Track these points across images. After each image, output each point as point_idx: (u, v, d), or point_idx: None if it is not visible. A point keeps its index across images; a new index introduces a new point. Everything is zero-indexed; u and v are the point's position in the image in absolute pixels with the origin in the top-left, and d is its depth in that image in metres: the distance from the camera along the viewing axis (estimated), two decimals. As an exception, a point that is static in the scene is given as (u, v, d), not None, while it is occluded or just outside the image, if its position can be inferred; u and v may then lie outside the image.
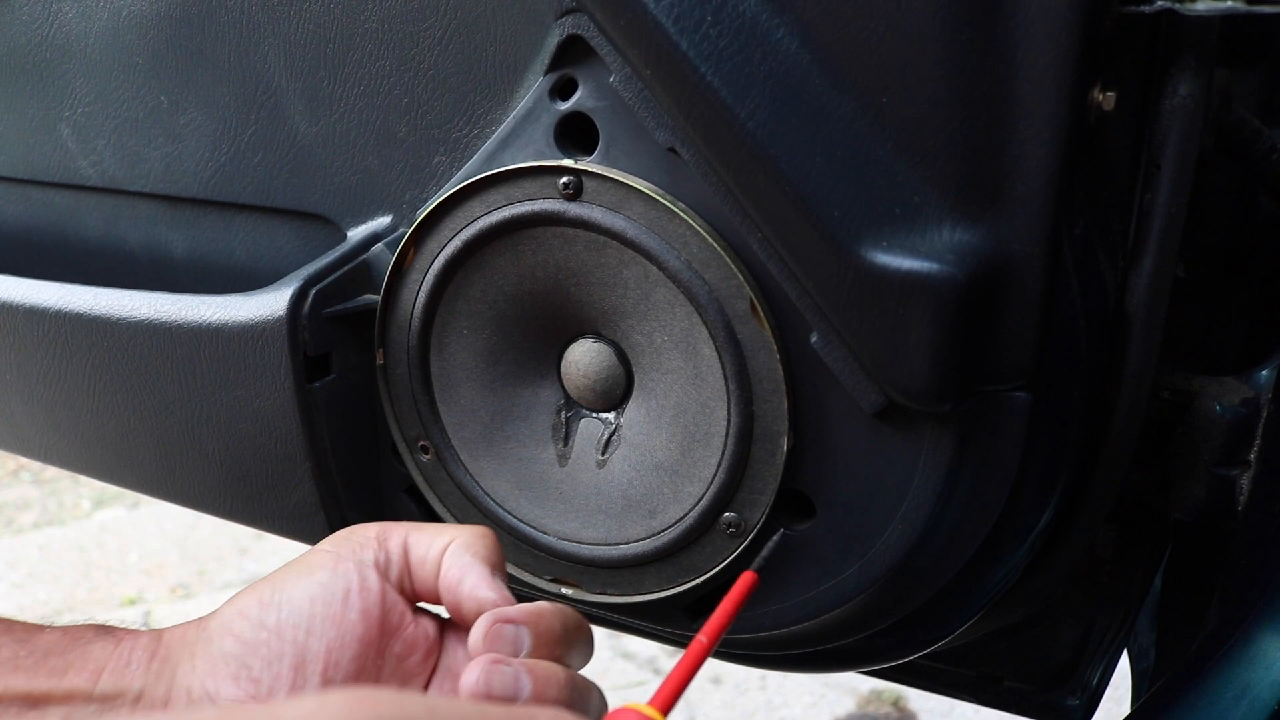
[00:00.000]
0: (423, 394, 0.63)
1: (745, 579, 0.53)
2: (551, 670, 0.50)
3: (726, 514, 0.57)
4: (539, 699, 0.48)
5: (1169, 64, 0.51)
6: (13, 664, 0.51)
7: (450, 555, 0.53)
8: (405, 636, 0.53)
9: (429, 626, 0.54)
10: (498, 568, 0.53)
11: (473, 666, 0.48)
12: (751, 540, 0.57)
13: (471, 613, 0.51)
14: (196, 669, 0.51)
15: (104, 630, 0.53)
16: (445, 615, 0.54)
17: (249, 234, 0.71)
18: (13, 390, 0.78)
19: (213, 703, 0.50)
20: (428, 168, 0.62)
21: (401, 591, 0.53)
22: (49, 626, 0.53)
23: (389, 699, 0.35)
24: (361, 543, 0.53)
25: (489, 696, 0.48)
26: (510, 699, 0.48)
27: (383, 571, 0.53)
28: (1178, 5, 0.48)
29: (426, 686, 0.53)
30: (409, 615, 0.53)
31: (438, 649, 0.54)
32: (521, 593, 0.61)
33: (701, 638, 0.48)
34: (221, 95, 0.67)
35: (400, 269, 0.61)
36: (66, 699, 0.50)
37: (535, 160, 0.56)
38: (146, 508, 2.75)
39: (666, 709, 0.44)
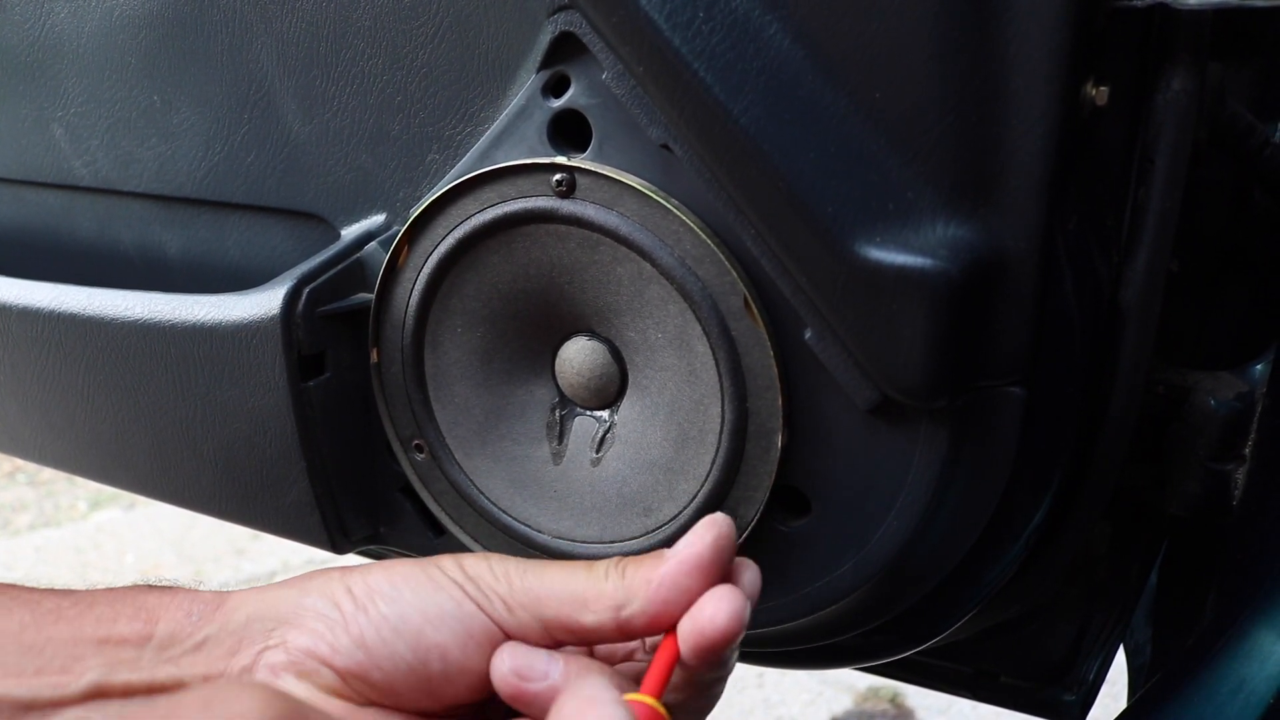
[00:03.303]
0: (417, 392, 0.63)
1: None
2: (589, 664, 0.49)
3: (721, 511, 0.57)
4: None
5: (1162, 58, 0.51)
6: (55, 615, 0.49)
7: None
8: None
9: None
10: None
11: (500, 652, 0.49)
12: (747, 537, 0.57)
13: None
14: (279, 614, 0.49)
15: (158, 587, 0.52)
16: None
17: (243, 233, 0.71)
18: (7, 391, 0.78)
19: (284, 651, 0.48)
20: (421, 165, 0.62)
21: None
22: (93, 589, 0.51)
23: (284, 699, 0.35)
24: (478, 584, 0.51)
25: (515, 678, 0.48)
26: (538, 679, 0.48)
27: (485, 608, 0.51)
28: (1171, -1, 0.48)
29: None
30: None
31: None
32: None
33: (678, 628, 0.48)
34: (214, 94, 0.67)
35: (394, 267, 0.61)
36: (118, 644, 0.48)
37: (528, 157, 0.56)
38: (143, 509, 2.75)
39: (658, 694, 0.44)
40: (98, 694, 0.47)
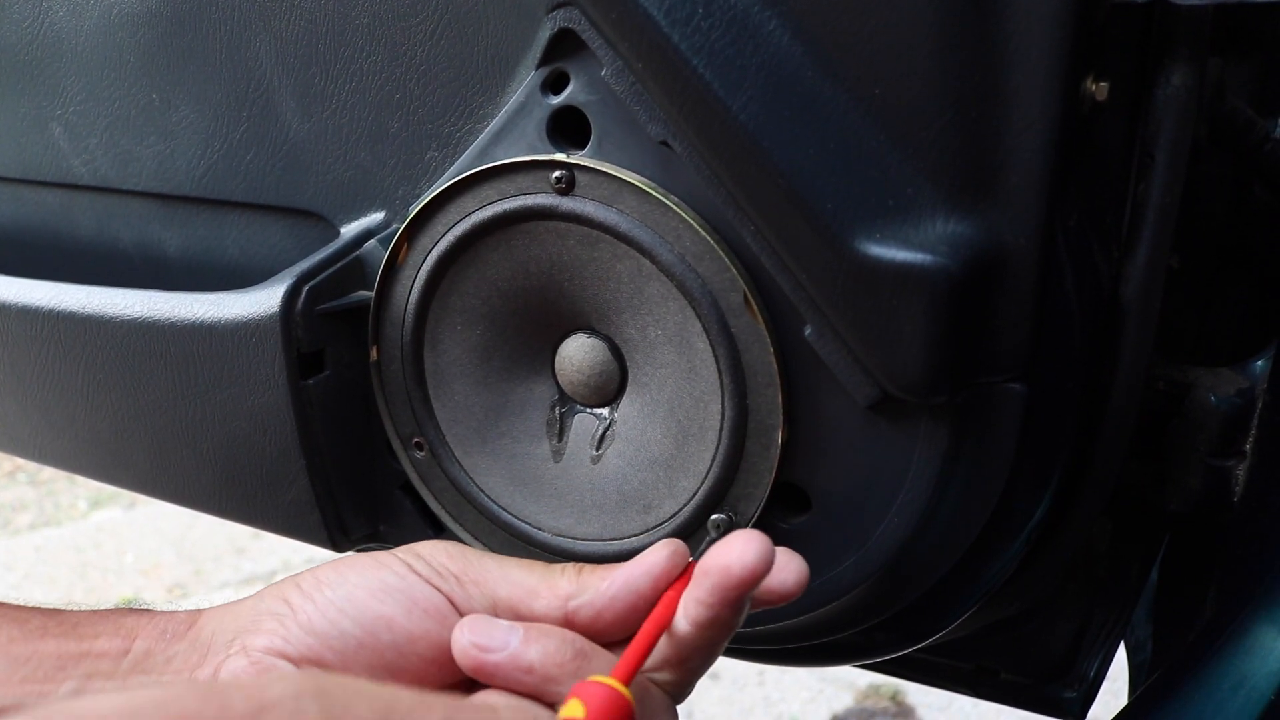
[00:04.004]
0: (416, 390, 0.63)
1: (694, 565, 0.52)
2: (552, 633, 0.50)
3: (721, 508, 0.57)
4: (529, 660, 0.48)
5: (1162, 54, 0.51)
6: (41, 631, 0.51)
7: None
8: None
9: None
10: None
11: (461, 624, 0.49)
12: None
13: None
14: (238, 622, 0.51)
15: (138, 610, 0.54)
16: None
17: (242, 231, 0.71)
18: (6, 390, 0.78)
19: (244, 655, 0.50)
20: (420, 163, 0.62)
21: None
22: (77, 610, 0.54)
23: (337, 681, 0.35)
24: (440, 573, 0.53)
25: (475, 649, 0.48)
26: (499, 649, 0.48)
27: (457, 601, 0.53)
28: (1170, -5, 0.48)
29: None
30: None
31: None
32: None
33: (654, 619, 0.48)
34: (213, 93, 0.67)
35: (393, 265, 0.61)
36: (98, 658, 0.51)
37: (527, 155, 0.56)
38: (143, 508, 2.75)
39: (628, 680, 0.44)
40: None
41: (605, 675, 0.44)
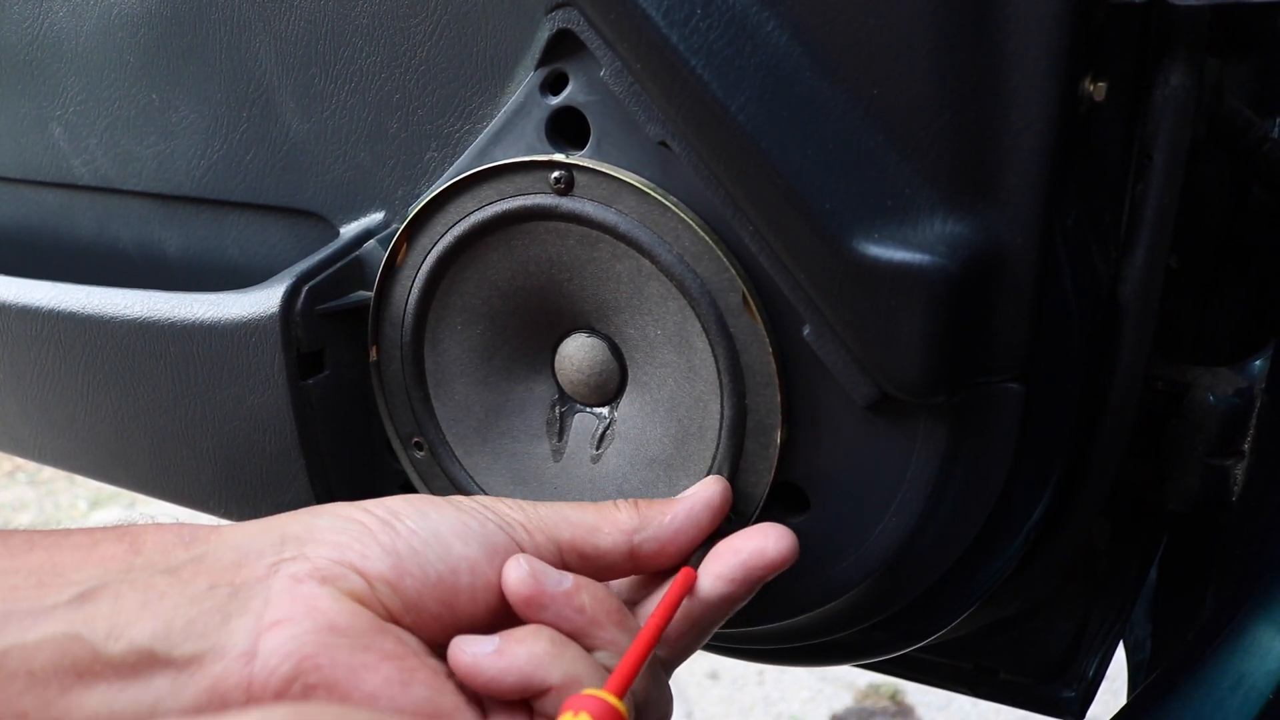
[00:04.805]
0: (416, 390, 0.63)
1: (684, 575, 0.51)
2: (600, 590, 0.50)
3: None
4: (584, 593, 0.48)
5: (1160, 54, 0.51)
6: (27, 545, 0.45)
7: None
8: None
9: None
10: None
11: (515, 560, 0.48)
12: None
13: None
14: (286, 536, 0.47)
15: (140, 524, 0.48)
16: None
17: (242, 231, 0.71)
18: (7, 390, 0.78)
19: (305, 560, 0.46)
20: (419, 163, 0.62)
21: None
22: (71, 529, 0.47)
23: (333, 713, 0.34)
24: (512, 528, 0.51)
25: (533, 579, 0.47)
26: (554, 584, 0.48)
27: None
28: (1168, -5, 0.48)
29: None
30: None
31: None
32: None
33: (657, 622, 0.48)
34: (213, 93, 0.67)
35: (393, 265, 0.61)
36: (101, 562, 0.45)
37: (526, 155, 0.56)
38: (143, 508, 2.75)
39: (621, 694, 0.44)
40: (87, 600, 0.43)
41: (600, 689, 0.44)
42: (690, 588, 0.51)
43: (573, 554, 0.51)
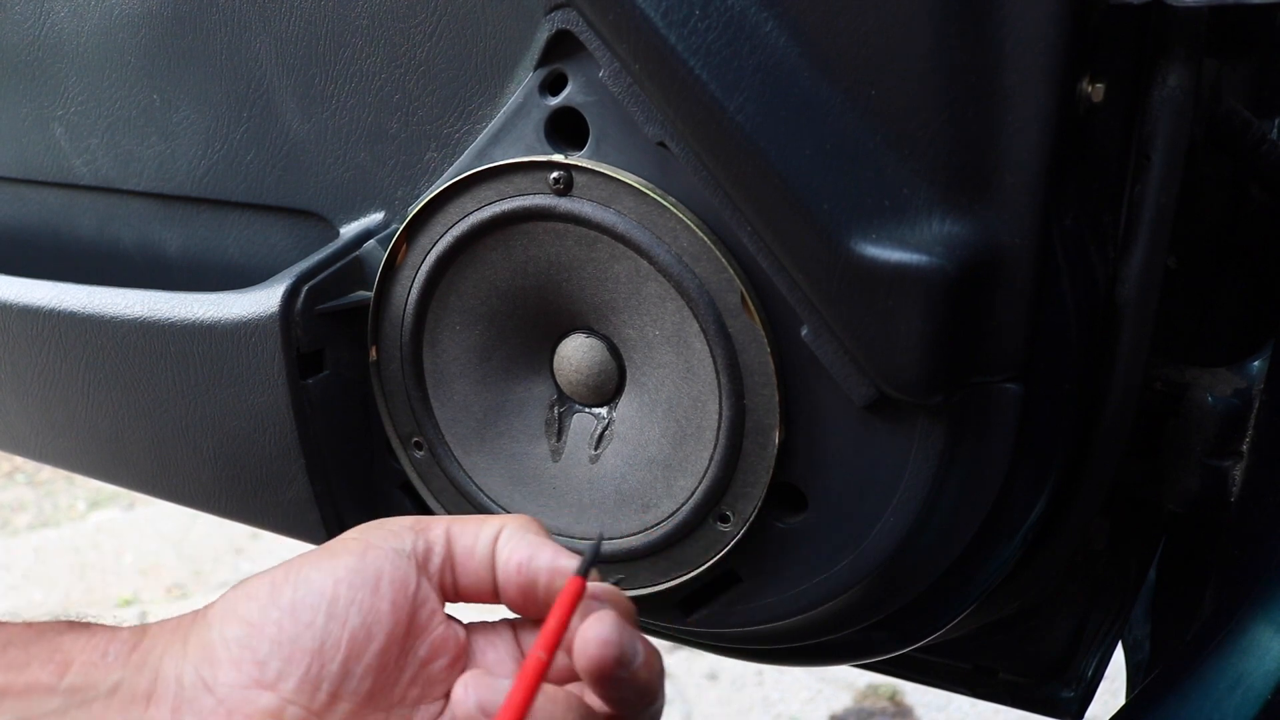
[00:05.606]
0: (416, 390, 0.63)
1: (572, 585, 0.47)
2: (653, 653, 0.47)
3: (719, 508, 0.57)
4: (646, 674, 0.46)
5: (1158, 55, 0.51)
6: None
7: (509, 538, 0.49)
8: (433, 639, 0.48)
9: (458, 631, 0.50)
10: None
11: (596, 620, 0.44)
12: (745, 534, 0.58)
13: (551, 584, 0.48)
14: (189, 655, 0.46)
15: (77, 625, 0.48)
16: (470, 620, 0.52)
17: (242, 231, 0.71)
18: (7, 389, 0.78)
19: (208, 691, 0.44)
20: (419, 164, 0.62)
21: (441, 587, 0.49)
22: (12, 622, 0.48)
23: None
24: (396, 531, 0.49)
25: (617, 649, 0.44)
26: (626, 663, 0.45)
27: (421, 563, 0.48)
28: (1166, -4, 0.48)
29: (447, 697, 0.49)
30: (439, 615, 0.49)
31: (465, 656, 0.50)
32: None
33: (540, 653, 0.44)
34: (214, 93, 0.67)
35: (392, 265, 0.61)
36: (25, 693, 0.45)
37: (526, 155, 0.56)
38: (142, 508, 2.75)
39: (519, 716, 0.42)
40: None
41: None
42: (579, 599, 0.47)
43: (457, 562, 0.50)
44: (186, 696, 0.45)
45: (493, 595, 0.50)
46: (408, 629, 0.47)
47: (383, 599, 0.46)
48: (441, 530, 0.50)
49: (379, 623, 0.46)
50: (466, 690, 0.46)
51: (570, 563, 0.48)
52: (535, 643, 0.45)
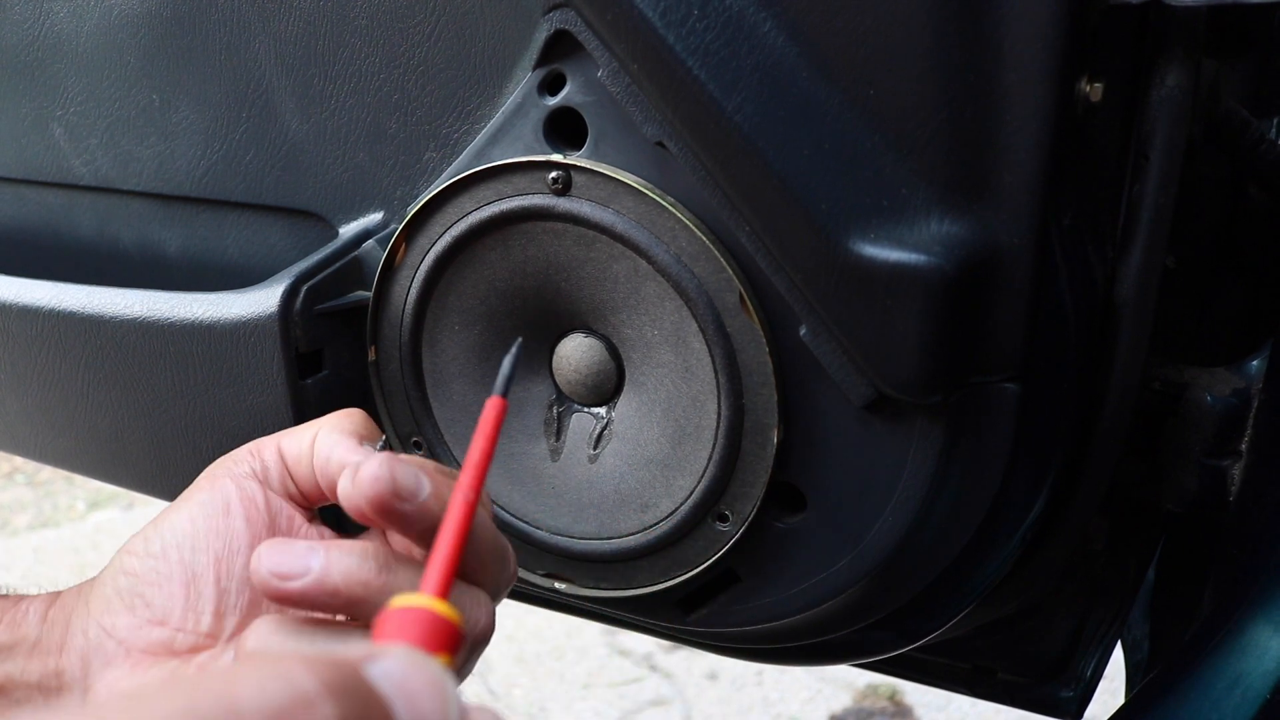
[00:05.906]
0: (415, 390, 0.63)
1: (492, 406, 0.44)
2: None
3: (718, 507, 0.57)
4: (436, 501, 0.45)
5: (1157, 55, 0.51)
6: None
7: (320, 439, 0.53)
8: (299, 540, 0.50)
9: (324, 533, 0.54)
10: (367, 439, 0.53)
11: (373, 460, 0.44)
12: (744, 533, 0.58)
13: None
14: (91, 611, 0.51)
15: (1, 595, 0.54)
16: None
17: (241, 231, 0.71)
18: (7, 389, 0.78)
19: (110, 637, 0.50)
20: (418, 164, 0.62)
21: (289, 496, 0.54)
22: None
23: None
24: (237, 458, 0.54)
25: (392, 483, 0.44)
26: (411, 495, 0.44)
27: (263, 479, 0.53)
28: (1164, -4, 0.48)
29: None
30: (299, 519, 0.54)
31: None
32: (515, 588, 0.61)
33: (466, 491, 0.42)
34: (213, 93, 0.67)
35: (391, 265, 0.61)
36: None
37: (524, 155, 0.56)
38: (142, 509, 2.75)
39: (444, 592, 0.38)
40: None
41: (417, 594, 0.37)
42: (501, 420, 0.44)
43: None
44: (93, 645, 0.51)
45: (329, 494, 0.54)
46: (269, 536, 0.52)
47: (235, 519, 0.52)
48: (273, 445, 0.54)
49: (237, 539, 0.51)
50: (259, 558, 0.46)
51: (356, 456, 0.51)
52: (460, 478, 0.43)
